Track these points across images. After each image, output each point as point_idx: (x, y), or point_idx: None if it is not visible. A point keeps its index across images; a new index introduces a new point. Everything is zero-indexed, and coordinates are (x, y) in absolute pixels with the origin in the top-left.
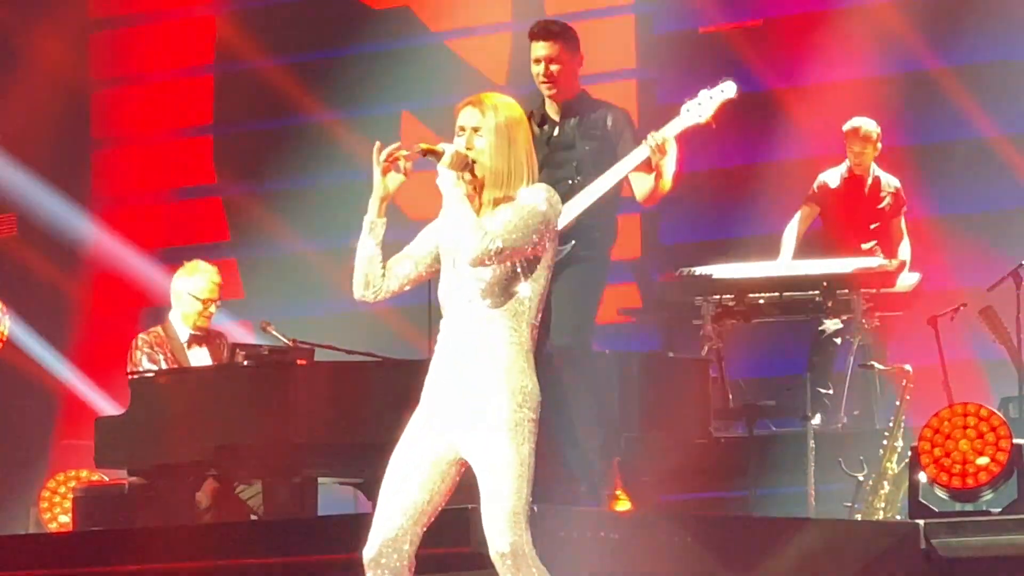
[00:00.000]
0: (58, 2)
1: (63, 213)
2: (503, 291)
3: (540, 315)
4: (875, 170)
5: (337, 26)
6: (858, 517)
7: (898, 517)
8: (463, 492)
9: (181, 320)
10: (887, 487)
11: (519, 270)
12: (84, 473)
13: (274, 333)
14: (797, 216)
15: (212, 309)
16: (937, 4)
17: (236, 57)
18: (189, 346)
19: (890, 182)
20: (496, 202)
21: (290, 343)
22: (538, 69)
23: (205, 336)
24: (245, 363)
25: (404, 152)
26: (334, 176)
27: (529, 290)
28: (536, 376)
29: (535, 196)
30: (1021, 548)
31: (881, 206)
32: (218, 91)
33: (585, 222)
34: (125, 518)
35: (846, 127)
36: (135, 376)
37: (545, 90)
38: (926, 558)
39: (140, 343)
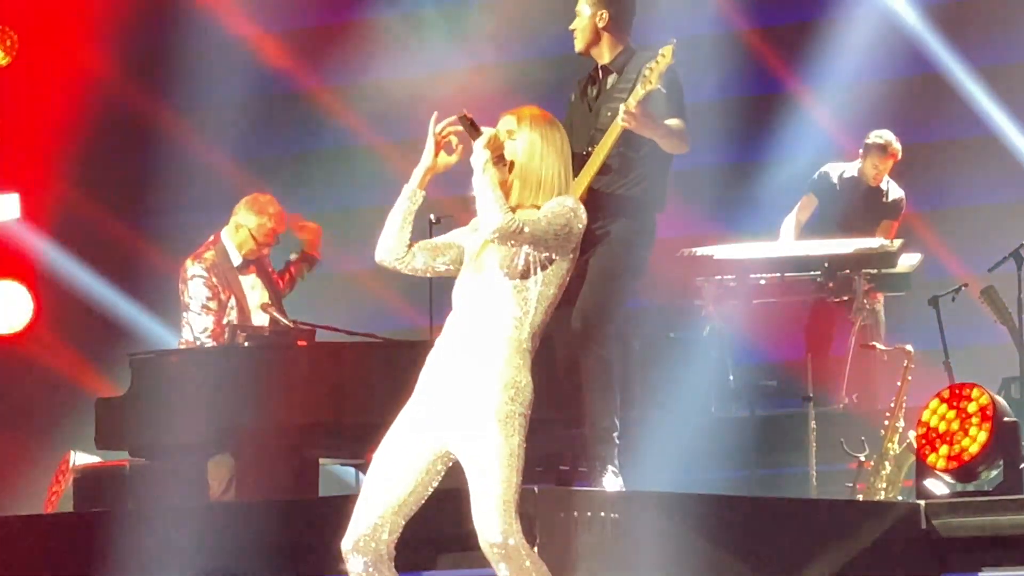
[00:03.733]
0: None
1: None
2: (514, 292)
3: (545, 319)
4: (886, 180)
5: None
6: (859, 498)
7: (899, 498)
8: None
9: (233, 243)
10: (888, 468)
11: (532, 272)
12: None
13: (275, 314)
14: (796, 206)
15: (266, 250)
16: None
17: (220, 22)
18: (240, 271)
19: (895, 192)
20: (518, 208)
21: (291, 324)
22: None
23: (256, 260)
24: (246, 344)
25: (450, 122)
26: (328, 143)
27: (537, 294)
28: (531, 375)
29: (562, 202)
30: (1021, 528)
31: (879, 212)
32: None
33: (615, 194)
34: (125, 500)
35: (872, 139)
36: (136, 356)
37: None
38: (927, 538)
39: (196, 271)
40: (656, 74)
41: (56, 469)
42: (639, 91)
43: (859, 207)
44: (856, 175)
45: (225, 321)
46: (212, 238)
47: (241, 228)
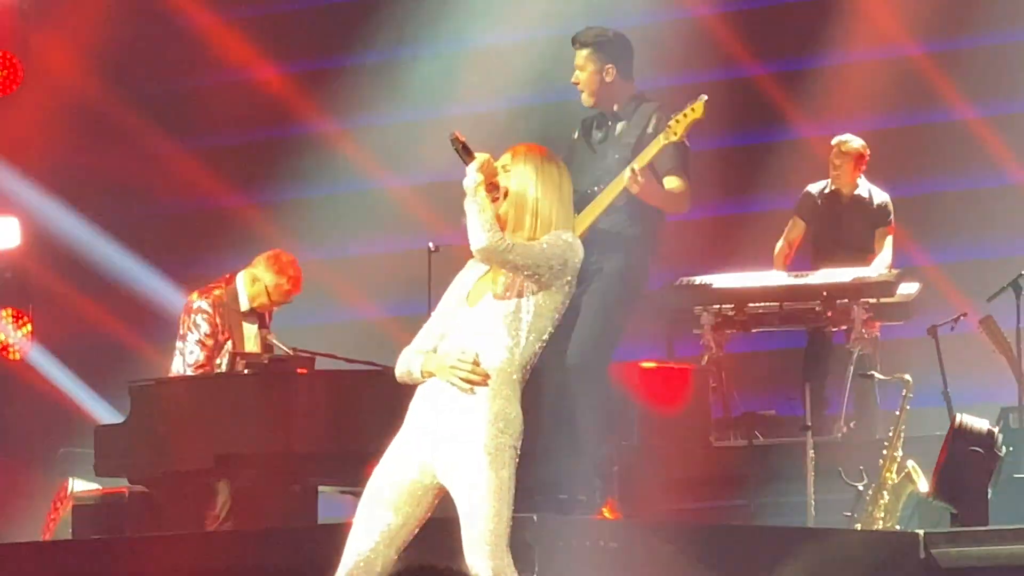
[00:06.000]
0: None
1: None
2: (506, 323)
3: (537, 351)
4: (863, 185)
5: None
6: (857, 527)
7: (897, 527)
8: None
9: (247, 293)
10: (886, 497)
11: (526, 304)
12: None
13: (274, 342)
14: (785, 230)
15: (276, 307)
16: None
17: (237, 64)
18: (245, 317)
19: (878, 197)
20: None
21: (290, 352)
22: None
23: (262, 313)
24: (245, 372)
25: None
26: (335, 186)
27: (528, 325)
28: (520, 406)
29: (559, 235)
30: (1019, 559)
31: (868, 220)
32: (217, 101)
33: (612, 232)
34: (124, 527)
35: (832, 142)
36: (136, 384)
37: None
38: (925, 568)
39: (202, 305)
40: (683, 127)
41: (54, 496)
42: (660, 140)
43: (846, 218)
44: (834, 187)
45: (218, 362)
46: (227, 277)
47: (258, 282)
